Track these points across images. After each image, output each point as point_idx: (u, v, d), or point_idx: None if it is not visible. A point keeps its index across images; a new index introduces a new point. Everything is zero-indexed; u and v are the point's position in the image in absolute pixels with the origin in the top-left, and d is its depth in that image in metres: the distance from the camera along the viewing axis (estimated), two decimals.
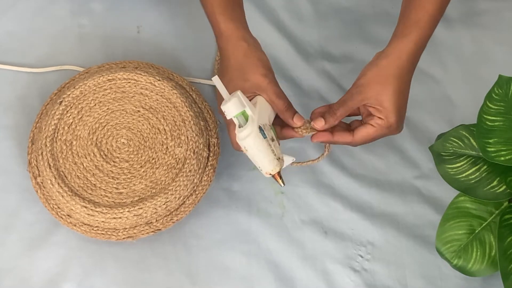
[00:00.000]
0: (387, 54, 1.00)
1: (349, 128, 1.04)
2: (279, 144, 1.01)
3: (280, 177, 1.01)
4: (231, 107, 0.95)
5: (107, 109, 1.14)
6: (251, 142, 0.96)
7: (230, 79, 1.02)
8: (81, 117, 1.13)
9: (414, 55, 1.01)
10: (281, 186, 1.01)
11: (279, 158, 1.00)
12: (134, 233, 1.10)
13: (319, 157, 1.11)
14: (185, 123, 1.12)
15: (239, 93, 0.96)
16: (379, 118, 1.00)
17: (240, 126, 0.97)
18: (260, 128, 0.96)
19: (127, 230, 1.10)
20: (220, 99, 1.04)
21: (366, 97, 1.00)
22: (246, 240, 1.14)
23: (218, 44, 1.05)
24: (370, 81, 1.00)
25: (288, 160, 1.02)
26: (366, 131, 1.01)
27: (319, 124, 1.02)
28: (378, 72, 1.00)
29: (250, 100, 1.00)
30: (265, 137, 0.97)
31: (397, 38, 1.01)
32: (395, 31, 1.02)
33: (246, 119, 0.96)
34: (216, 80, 0.96)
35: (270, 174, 1.00)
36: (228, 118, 0.97)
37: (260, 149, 0.97)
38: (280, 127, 1.05)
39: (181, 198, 1.10)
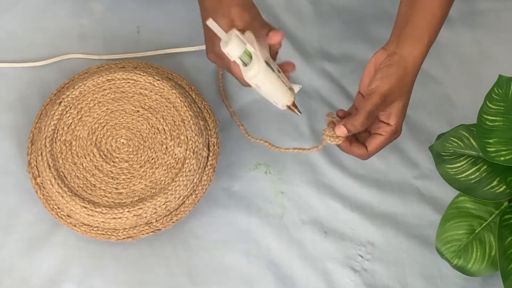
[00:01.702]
0: (405, 60, 0.98)
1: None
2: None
3: (296, 106, 0.99)
4: (234, 48, 0.91)
5: (107, 109, 1.14)
6: (262, 77, 0.93)
7: (207, 16, 0.96)
8: (80, 118, 1.13)
9: (423, 60, 1.01)
10: (298, 114, 0.99)
11: (290, 88, 0.97)
12: (134, 233, 1.10)
13: (318, 146, 1.10)
14: (184, 122, 1.12)
15: (235, 31, 0.92)
16: (388, 125, 0.99)
17: (244, 65, 0.93)
18: (266, 62, 0.93)
19: (127, 230, 1.10)
20: (210, 44, 1.00)
21: (389, 107, 0.99)
22: (246, 240, 1.14)
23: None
24: (391, 91, 0.98)
25: (296, 88, 1.00)
26: (377, 142, 1.00)
27: (342, 132, 0.98)
28: (398, 81, 0.98)
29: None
30: (273, 71, 0.94)
31: (410, 42, 0.99)
32: (404, 31, 1.00)
33: (249, 57, 0.93)
34: (211, 23, 0.91)
35: (287, 106, 0.98)
36: (232, 59, 0.93)
37: (273, 82, 0.94)
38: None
39: (181, 198, 1.10)
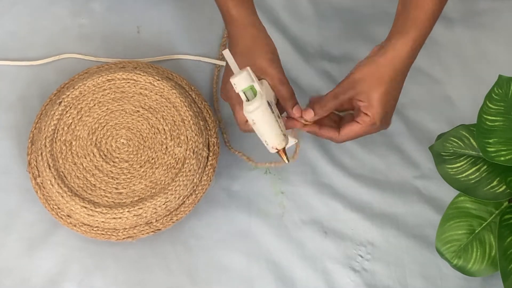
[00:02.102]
0: (386, 51, 0.99)
1: (339, 121, 1.03)
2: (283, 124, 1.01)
3: (285, 153, 1.00)
4: (241, 80, 0.95)
5: (107, 109, 1.14)
6: (260, 115, 0.96)
7: (237, 63, 1.02)
8: (80, 118, 1.13)
9: (411, 55, 1.00)
10: (285, 162, 1.01)
11: (285, 135, 0.99)
12: (134, 233, 1.10)
13: (293, 155, 1.11)
14: (184, 122, 1.12)
15: (248, 68, 0.96)
16: (366, 115, 0.99)
17: (247, 101, 0.96)
18: (268, 102, 0.96)
19: (127, 230, 1.10)
20: (226, 77, 1.03)
21: (358, 92, 0.99)
22: (246, 240, 1.14)
23: (227, 30, 1.05)
24: (364, 77, 0.98)
25: (291, 141, 1.02)
26: (350, 128, 1.00)
27: (309, 115, 1.00)
28: (374, 70, 0.99)
29: None
30: (272, 112, 0.97)
31: (396, 35, 0.99)
32: (394, 26, 1.01)
33: (254, 95, 0.96)
34: (226, 54, 0.95)
35: (277, 149, 0.99)
36: (237, 91, 0.96)
37: (268, 122, 0.97)
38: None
39: (181, 198, 1.10)
